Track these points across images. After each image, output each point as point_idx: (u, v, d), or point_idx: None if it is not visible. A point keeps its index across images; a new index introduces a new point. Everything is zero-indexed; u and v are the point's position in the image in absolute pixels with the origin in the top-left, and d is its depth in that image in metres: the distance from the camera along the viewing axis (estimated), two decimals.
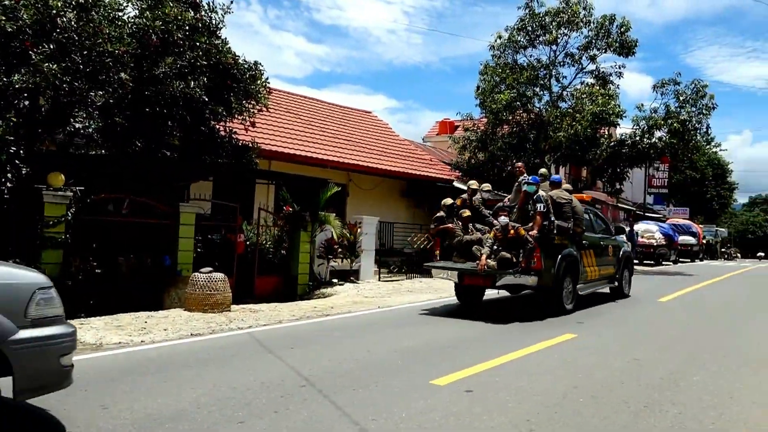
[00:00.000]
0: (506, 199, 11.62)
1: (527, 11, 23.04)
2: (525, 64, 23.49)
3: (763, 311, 11.65)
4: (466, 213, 10.51)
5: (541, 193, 9.95)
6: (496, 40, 23.48)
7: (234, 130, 11.43)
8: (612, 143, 23.77)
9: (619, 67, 23.49)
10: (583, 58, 23.34)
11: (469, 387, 5.29)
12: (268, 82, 11.38)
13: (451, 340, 7.52)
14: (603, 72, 23.62)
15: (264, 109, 11.71)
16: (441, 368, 5.91)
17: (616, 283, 12.69)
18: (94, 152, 9.70)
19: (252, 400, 4.77)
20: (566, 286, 10.16)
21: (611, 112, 21.50)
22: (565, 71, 25.44)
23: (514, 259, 9.37)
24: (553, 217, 9.84)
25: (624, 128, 25.15)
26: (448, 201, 10.86)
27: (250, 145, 11.63)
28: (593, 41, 22.86)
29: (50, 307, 3.73)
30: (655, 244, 30.33)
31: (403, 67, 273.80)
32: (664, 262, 30.59)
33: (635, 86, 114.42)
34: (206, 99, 10.01)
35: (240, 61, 10.72)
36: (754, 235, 75.11)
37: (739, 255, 53.78)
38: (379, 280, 15.58)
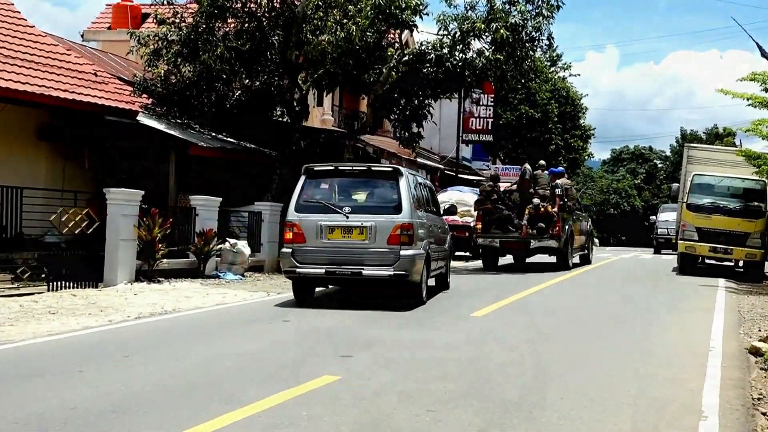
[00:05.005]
0: (513, 185, 26.81)
1: None
2: None
3: (614, 328, 12.80)
4: (495, 196, 23.92)
5: (558, 181, 24.02)
6: None
7: None
8: (406, 58, 24.64)
9: None
10: None
11: None
12: None
13: (113, 403, 7.13)
14: None
15: None
16: None
17: (585, 251, 27.80)
18: None
19: None
20: (569, 249, 24.02)
21: (404, 4, 22.16)
22: None
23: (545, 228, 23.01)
24: (566, 198, 23.97)
25: (427, 33, 26.22)
26: (486, 187, 24.80)
27: None
28: None
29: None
30: (472, 223, 31.23)
31: None
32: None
33: None
34: None
35: None
36: (618, 208, 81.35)
37: (597, 242, 58.83)
38: None
